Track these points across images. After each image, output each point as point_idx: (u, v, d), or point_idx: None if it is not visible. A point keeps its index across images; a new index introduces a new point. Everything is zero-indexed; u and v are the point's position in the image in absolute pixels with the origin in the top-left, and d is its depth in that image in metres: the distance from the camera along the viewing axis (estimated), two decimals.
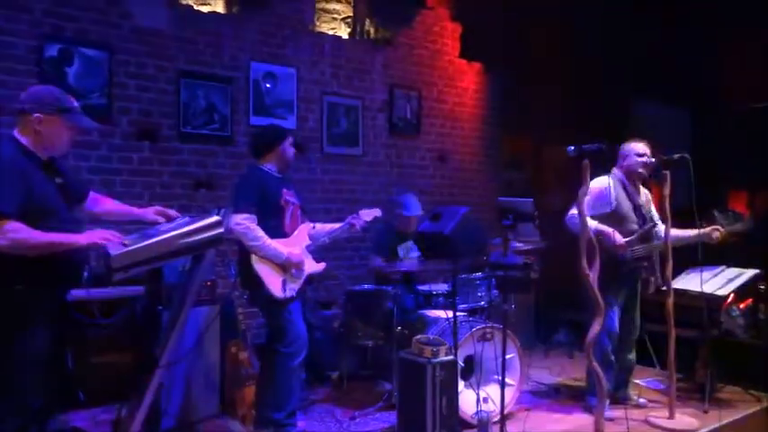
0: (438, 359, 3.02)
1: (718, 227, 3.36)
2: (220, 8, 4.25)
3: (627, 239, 3.32)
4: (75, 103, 2.34)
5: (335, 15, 4.93)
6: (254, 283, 2.97)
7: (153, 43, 3.92)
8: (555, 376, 4.28)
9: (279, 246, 2.99)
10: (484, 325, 3.38)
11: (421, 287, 3.97)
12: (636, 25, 5.67)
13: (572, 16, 5.64)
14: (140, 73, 3.88)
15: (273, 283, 2.97)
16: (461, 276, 3.80)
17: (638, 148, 3.47)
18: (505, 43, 5.53)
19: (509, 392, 3.27)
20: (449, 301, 3.52)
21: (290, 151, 3.17)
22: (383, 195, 4.98)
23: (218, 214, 2.50)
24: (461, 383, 3.27)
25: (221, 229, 2.40)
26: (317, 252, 3.22)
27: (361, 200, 4.77)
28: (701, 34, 5.80)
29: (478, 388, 3.22)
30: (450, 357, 3.07)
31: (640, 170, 3.46)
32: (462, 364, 3.30)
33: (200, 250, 2.43)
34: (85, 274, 2.48)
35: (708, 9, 5.69)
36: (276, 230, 3.03)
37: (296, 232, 3.13)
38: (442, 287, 3.92)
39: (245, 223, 2.92)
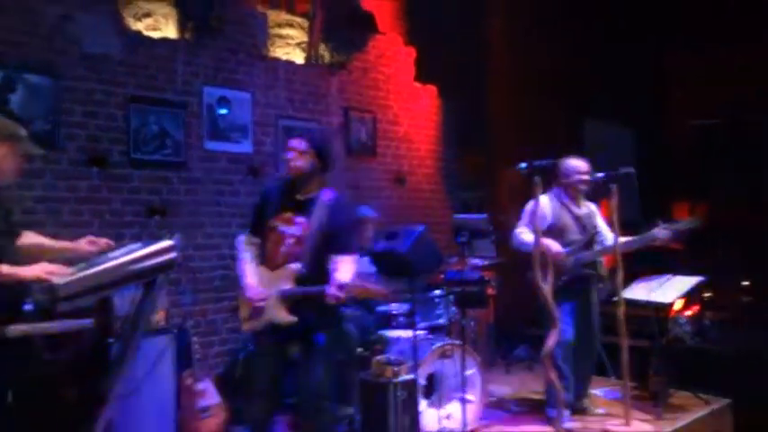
0: (399, 379, 3.02)
1: (665, 226, 3.47)
2: (172, 34, 4.22)
3: (566, 250, 3.43)
4: (24, 132, 2.30)
5: (289, 41, 4.97)
6: None
7: (101, 69, 3.85)
8: (515, 390, 4.31)
9: (247, 272, 2.71)
10: (444, 342, 3.39)
11: (380, 307, 3.96)
12: (584, 46, 5.93)
13: (524, 39, 5.87)
14: (88, 99, 3.80)
15: (243, 305, 2.76)
16: (420, 295, 3.81)
17: (579, 167, 3.60)
18: (460, 66, 5.68)
19: (471, 409, 3.28)
20: (409, 321, 3.52)
21: (288, 155, 2.70)
22: None
23: (171, 240, 2.45)
24: (423, 402, 3.26)
25: (174, 255, 2.35)
26: None
27: None
28: (645, 55, 6.12)
29: (440, 406, 3.22)
30: (411, 376, 3.07)
31: (582, 187, 3.59)
32: (424, 383, 3.30)
33: (152, 276, 2.37)
34: (28, 306, 2.37)
35: (651, 31, 6.03)
36: (262, 257, 2.72)
37: (282, 269, 2.65)
38: (401, 306, 3.92)
39: (240, 236, 2.76)
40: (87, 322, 2.75)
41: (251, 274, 2.70)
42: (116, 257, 2.28)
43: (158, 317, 3.45)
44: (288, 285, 2.61)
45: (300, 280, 2.61)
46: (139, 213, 3.96)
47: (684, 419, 3.58)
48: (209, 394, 3.39)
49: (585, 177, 3.57)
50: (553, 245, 3.40)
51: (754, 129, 5.91)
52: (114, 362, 2.45)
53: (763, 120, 5.87)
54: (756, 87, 5.95)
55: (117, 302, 2.82)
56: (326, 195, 2.70)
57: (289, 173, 2.71)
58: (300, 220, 2.65)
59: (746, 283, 6.13)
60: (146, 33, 4.09)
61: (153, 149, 4.05)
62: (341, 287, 2.49)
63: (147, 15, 4.14)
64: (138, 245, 2.46)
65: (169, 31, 4.22)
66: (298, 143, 2.66)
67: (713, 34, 6.13)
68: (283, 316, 2.61)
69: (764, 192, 5.96)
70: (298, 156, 2.65)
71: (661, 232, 3.43)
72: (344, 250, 2.63)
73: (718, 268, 5.35)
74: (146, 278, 2.35)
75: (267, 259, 2.71)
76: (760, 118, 5.92)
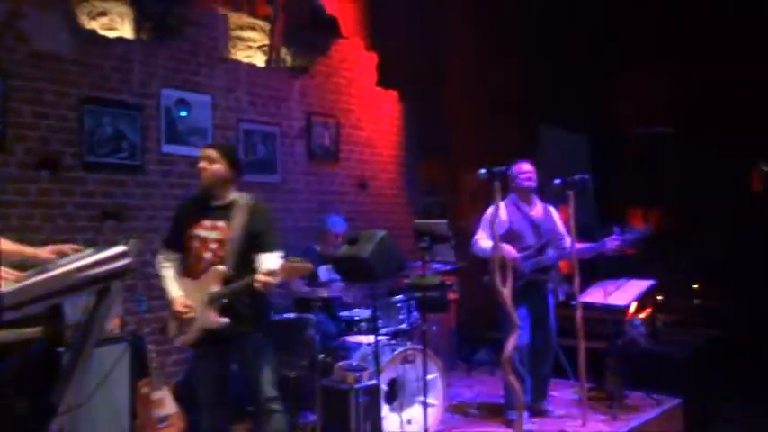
0: (361, 385, 3.01)
1: (615, 236, 3.60)
2: (128, 33, 4.12)
3: (522, 254, 3.50)
4: None
5: (251, 44, 4.91)
6: None
7: (52, 69, 3.72)
8: (477, 394, 4.36)
9: (171, 287, 2.74)
10: (405, 347, 3.40)
11: (343, 313, 3.95)
12: (540, 53, 6.07)
13: (483, 45, 5.97)
14: (38, 99, 3.66)
15: (171, 321, 2.77)
16: (382, 300, 3.82)
17: (523, 168, 3.73)
18: (421, 72, 5.72)
19: (432, 413, 3.30)
20: (371, 326, 3.52)
21: (200, 164, 2.77)
22: (303, 223, 4.93)
23: (125, 245, 2.38)
24: (385, 407, 3.26)
25: (128, 260, 2.28)
26: None
27: (280, 228, 4.69)
28: (598, 63, 6.31)
29: (402, 411, 3.23)
30: (373, 382, 3.06)
31: (528, 184, 3.69)
32: (386, 388, 3.30)
33: (104, 284, 2.29)
34: None
35: (604, 41, 6.22)
36: (185, 267, 2.77)
37: (207, 274, 2.67)
38: (363, 312, 3.92)
39: (158, 255, 2.77)
40: (35, 331, 2.66)
41: (175, 289, 2.74)
42: (66, 264, 2.19)
43: (113, 324, 3.35)
44: (215, 288, 2.63)
45: (227, 281, 2.64)
46: (93, 218, 3.84)
47: (638, 419, 3.70)
48: (167, 404, 3.30)
49: (530, 175, 3.69)
50: (511, 251, 3.46)
51: (699, 137, 6.17)
52: (65, 372, 2.36)
53: (708, 128, 6.14)
54: (704, 97, 6.21)
55: (68, 310, 2.72)
56: (244, 199, 2.78)
57: (203, 181, 2.78)
58: (220, 224, 2.71)
59: (696, 285, 6.37)
60: (100, 32, 3.97)
61: (108, 152, 3.93)
62: (269, 273, 2.53)
63: (102, 14, 4.03)
64: (90, 251, 2.38)
65: (125, 30, 4.11)
66: (209, 152, 2.77)
67: (664, 45, 6.38)
68: (214, 319, 2.62)
69: (712, 197, 6.21)
70: (209, 164, 2.73)
71: (613, 241, 3.55)
72: (268, 249, 2.68)
73: (670, 272, 5.55)
74: (98, 285, 2.27)
75: (191, 270, 2.75)
76: (706, 127, 6.18)
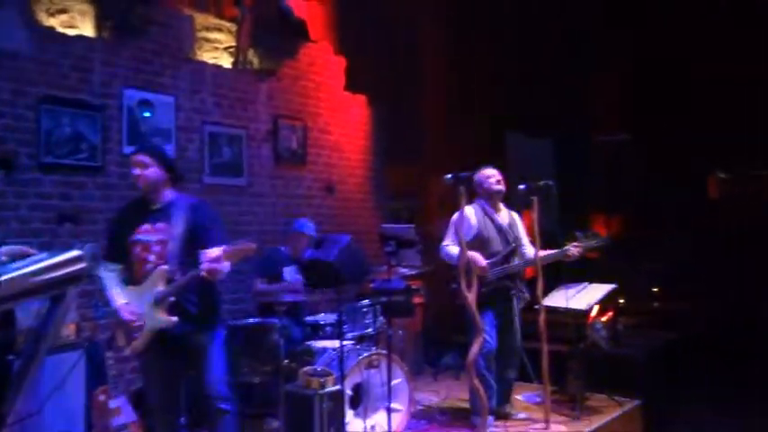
0: (325, 390, 2.98)
1: (577, 244, 3.67)
2: (89, 32, 4.01)
3: (489, 261, 3.53)
4: None
5: (217, 45, 4.85)
6: None
7: (9, 66, 3.59)
8: (443, 398, 4.37)
9: (113, 297, 2.68)
10: (370, 352, 3.39)
11: (308, 318, 3.91)
12: (508, 57, 6.16)
13: (451, 51, 6.03)
14: None
15: (118, 332, 2.72)
16: (348, 304, 3.80)
17: (490, 172, 3.74)
18: (389, 76, 5.74)
19: (397, 418, 3.29)
20: (337, 331, 3.50)
21: (133, 171, 2.73)
22: (269, 227, 4.88)
23: (81, 249, 2.31)
24: (350, 413, 3.24)
25: (83, 265, 2.21)
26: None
27: (246, 232, 4.64)
28: (562, 70, 6.44)
29: (366, 416, 3.21)
30: (338, 387, 3.04)
31: (497, 188, 3.70)
32: (350, 393, 3.28)
33: (58, 289, 2.22)
34: None
35: (567, 48, 6.35)
36: (128, 276, 2.73)
37: (152, 276, 2.64)
38: (329, 317, 3.89)
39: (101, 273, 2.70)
40: None
41: (120, 298, 2.69)
42: (17, 269, 2.11)
43: (68, 331, 3.25)
44: (161, 288, 2.60)
45: (172, 280, 2.63)
46: (50, 221, 3.72)
47: (599, 421, 3.76)
48: (125, 412, 3.22)
49: (498, 179, 3.71)
50: (479, 259, 3.48)
51: (659, 144, 6.36)
52: (15, 380, 2.27)
53: (668, 135, 6.33)
54: (661, 106, 6.41)
55: (19, 316, 2.63)
56: (183, 199, 2.77)
57: (140, 188, 2.75)
58: (161, 225, 2.69)
59: (656, 289, 6.56)
60: (60, 30, 3.86)
61: (66, 153, 3.82)
62: (214, 259, 2.49)
63: (62, 11, 3.92)
64: (43, 255, 2.30)
65: (86, 28, 4.00)
66: (140, 158, 2.73)
67: (630, 54, 6.56)
68: (163, 319, 2.60)
69: (671, 204, 6.40)
70: (143, 170, 2.71)
71: (573, 249, 3.63)
72: (213, 245, 2.63)
73: (631, 276, 5.69)
74: (51, 291, 2.19)
75: (134, 276, 2.71)
76: (665, 134, 6.37)
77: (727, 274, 6.03)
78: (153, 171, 2.72)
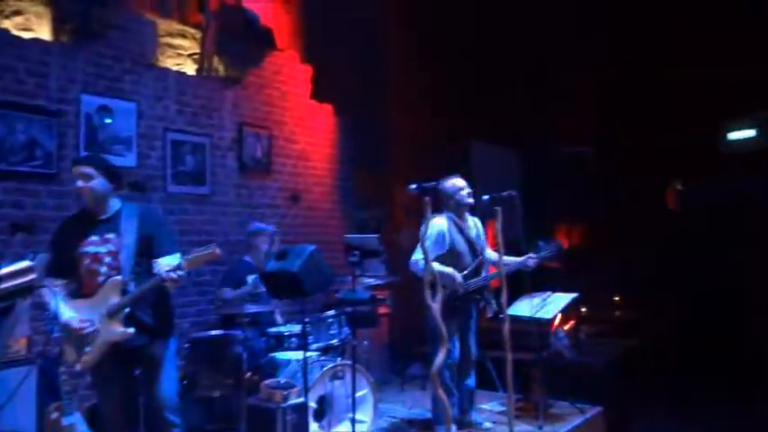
0: (288, 403, 2.93)
1: (533, 255, 3.73)
2: (46, 35, 3.90)
3: (462, 275, 3.55)
4: None
5: (181, 51, 4.77)
6: None
7: None
8: (409, 408, 4.35)
9: (60, 312, 2.59)
10: (335, 363, 3.35)
11: (271, 329, 3.85)
12: (472, 67, 6.24)
13: (416, 61, 6.07)
14: None
15: (67, 347, 2.63)
16: (313, 315, 3.75)
17: (460, 184, 3.74)
18: (356, 86, 5.74)
19: (361, 429, 3.26)
20: (301, 342, 3.45)
21: (77, 183, 2.65)
22: (233, 236, 4.80)
23: (32, 260, 2.22)
24: (314, 425, 3.19)
25: (33, 276, 2.13)
26: None
27: (210, 242, 4.52)
28: (529, 82, 6.57)
29: (330, 428, 3.17)
30: (301, 400, 2.99)
31: (467, 201, 3.71)
32: (314, 406, 3.24)
33: (8, 301, 2.13)
34: None
35: (534, 60, 6.48)
36: (75, 290, 2.65)
37: (104, 287, 2.58)
38: (293, 327, 3.84)
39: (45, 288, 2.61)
40: None
41: (67, 311, 2.60)
42: None
43: (19, 345, 3.12)
44: (115, 300, 2.55)
45: (126, 290, 2.57)
46: (2, 230, 3.57)
47: (563, 428, 3.80)
48: (79, 429, 3.09)
49: (469, 191, 3.72)
50: (456, 275, 3.49)
51: (620, 156, 6.53)
52: None
53: (628, 147, 6.51)
54: (625, 117, 6.58)
55: None
56: (130, 208, 2.73)
57: (85, 200, 2.69)
58: (110, 236, 2.64)
59: (617, 298, 6.70)
60: (14, 32, 3.74)
61: (20, 160, 3.69)
62: (175, 268, 2.48)
63: (17, 13, 3.80)
64: None
65: (42, 31, 3.89)
66: (84, 169, 2.66)
67: (596, 68, 6.73)
68: (118, 330, 2.54)
69: (632, 214, 6.57)
70: (86, 181, 2.65)
71: (531, 260, 3.71)
72: (166, 252, 2.63)
73: (593, 285, 5.80)
74: (0, 303, 2.11)
75: (84, 289, 2.65)
76: (626, 146, 6.54)
77: (687, 284, 6.21)
78: (98, 182, 2.65)
